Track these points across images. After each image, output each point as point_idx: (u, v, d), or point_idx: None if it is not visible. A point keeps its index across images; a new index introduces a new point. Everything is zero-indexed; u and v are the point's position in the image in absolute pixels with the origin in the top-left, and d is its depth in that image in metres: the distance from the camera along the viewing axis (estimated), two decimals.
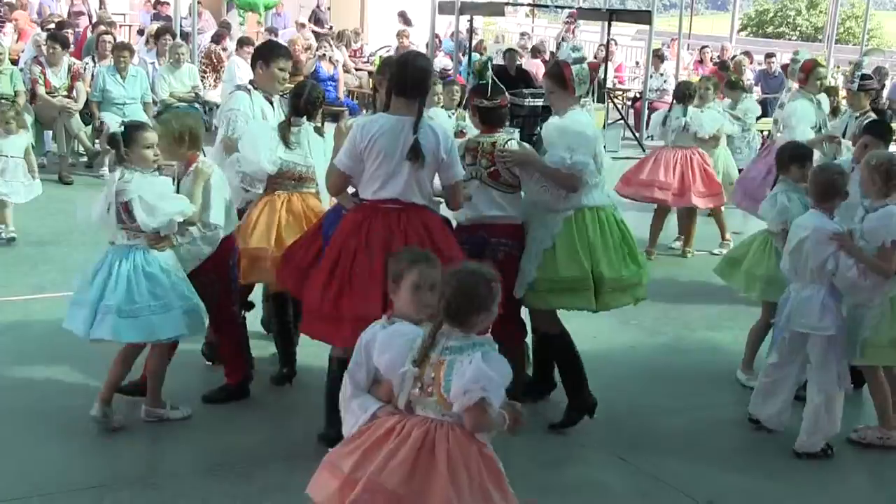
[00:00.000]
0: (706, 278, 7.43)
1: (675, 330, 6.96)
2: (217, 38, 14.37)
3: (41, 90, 10.96)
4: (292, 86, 5.80)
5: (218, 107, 11.39)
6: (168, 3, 17.20)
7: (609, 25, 17.28)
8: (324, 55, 13.83)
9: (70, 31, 13.91)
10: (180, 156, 5.05)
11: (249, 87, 5.73)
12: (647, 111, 16.32)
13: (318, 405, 4.81)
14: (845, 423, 5.15)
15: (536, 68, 15.99)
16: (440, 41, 17.92)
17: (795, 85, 8.44)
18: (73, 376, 5.52)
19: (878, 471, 5.13)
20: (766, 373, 5.23)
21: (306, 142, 5.50)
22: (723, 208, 9.25)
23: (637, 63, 21.50)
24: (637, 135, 15.92)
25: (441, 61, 17.36)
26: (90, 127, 11.25)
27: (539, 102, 13.05)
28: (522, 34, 20.35)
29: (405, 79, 4.55)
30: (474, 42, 16.55)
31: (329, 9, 21.42)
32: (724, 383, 6.04)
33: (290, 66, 5.90)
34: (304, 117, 5.50)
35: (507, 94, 5.12)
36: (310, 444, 4.74)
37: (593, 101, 6.46)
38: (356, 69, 16.54)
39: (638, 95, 17.51)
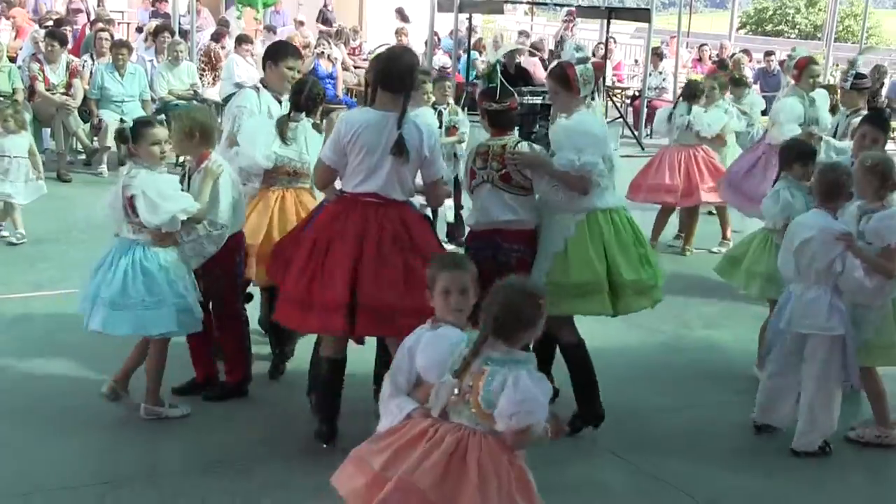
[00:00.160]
0: (705, 276, 7.43)
1: (674, 329, 6.95)
2: (217, 37, 14.35)
3: (40, 87, 10.95)
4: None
5: (216, 105, 11.45)
6: (166, 1, 17.18)
7: (608, 23, 17.26)
8: (322, 53, 13.80)
9: (68, 28, 13.90)
10: (191, 151, 5.09)
11: (259, 85, 5.81)
12: (645, 109, 16.34)
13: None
14: (843, 422, 5.16)
15: (534, 66, 15.97)
16: (439, 39, 17.91)
17: (792, 82, 8.46)
18: (72, 374, 5.51)
19: (877, 469, 5.13)
20: (770, 379, 5.17)
21: (303, 138, 5.55)
22: (728, 205, 9.27)
23: (636, 61, 21.51)
24: (636, 133, 15.92)
25: (440, 59, 17.35)
26: (88, 124, 11.25)
27: (538, 100, 13.03)
28: (521, 32, 20.32)
29: (391, 73, 4.59)
30: (473, 40, 16.53)
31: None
32: (724, 382, 6.04)
33: (300, 65, 5.94)
34: (304, 113, 5.54)
35: (516, 96, 5.12)
36: (309, 442, 4.77)
37: (601, 100, 6.45)
38: (355, 67, 16.51)
39: (637, 93, 17.51)
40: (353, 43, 18.03)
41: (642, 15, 17.88)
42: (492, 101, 5.02)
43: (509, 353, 3.19)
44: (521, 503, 3.18)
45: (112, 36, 12.56)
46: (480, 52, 17.17)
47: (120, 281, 4.77)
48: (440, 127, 8.24)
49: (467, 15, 15.67)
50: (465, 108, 12.07)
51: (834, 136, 7.76)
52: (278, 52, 5.83)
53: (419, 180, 4.78)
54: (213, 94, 12.62)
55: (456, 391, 3.21)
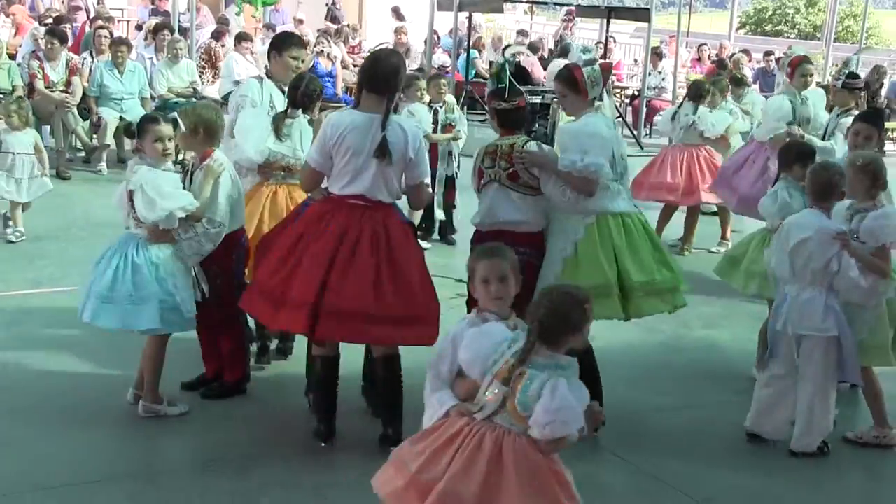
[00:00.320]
0: (705, 276, 7.43)
1: (673, 328, 6.95)
2: (217, 35, 14.34)
3: (39, 85, 10.94)
4: None
5: (217, 103, 11.43)
6: None
7: (607, 23, 17.28)
8: (322, 51, 13.79)
9: (68, 25, 13.88)
10: (195, 147, 5.10)
11: (262, 76, 5.83)
12: (645, 109, 16.33)
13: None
14: (841, 422, 5.16)
15: (532, 66, 15.97)
16: (438, 38, 17.90)
17: (787, 80, 8.48)
18: (71, 371, 5.51)
19: (876, 469, 5.14)
20: (767, 384, 5.12)
21: (298, 134, 5.56)
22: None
23: (635, 61, 21.51)
24: (635, 132, 15.91)
25: (439, 58, 17.35)
26: (88, 122, 11.24)
27: (537, 100, 13.05)
28: (520, 31, 20.31)
29: (376, 75, 4.60)
30: (473, 39, 16.53)
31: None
32: (723, 382, 6.04)
33: (304, 54, 5.95)
34: (300, 110, 5.56)
35: (525, 95, 5.12)
36: (307, 441, 4.76)
37: (610, 99, 6.42)
38: (354, 65, 16.49)
39: (636, 93, 17.50)
40: (353, 41, 18.03)
41: (642, 14, 17.89)
42: (501, 101, 5.02)
43: (552, 358, 3.17)
44: (564, 500, 3.17)
45: (111, 33, 12.55)
46: (480, 51, 17.18)
47: (111, 274, 4.80)
48: (436, 124, 8.33)
49: (467, 14, 15.68)
50: (465, 108, 12.07)
51: (823, 136, 7.78)
52: (283, 42, 5.87)
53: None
54: (213, 91, 12.61)
55: (495, 391, 3.18)
